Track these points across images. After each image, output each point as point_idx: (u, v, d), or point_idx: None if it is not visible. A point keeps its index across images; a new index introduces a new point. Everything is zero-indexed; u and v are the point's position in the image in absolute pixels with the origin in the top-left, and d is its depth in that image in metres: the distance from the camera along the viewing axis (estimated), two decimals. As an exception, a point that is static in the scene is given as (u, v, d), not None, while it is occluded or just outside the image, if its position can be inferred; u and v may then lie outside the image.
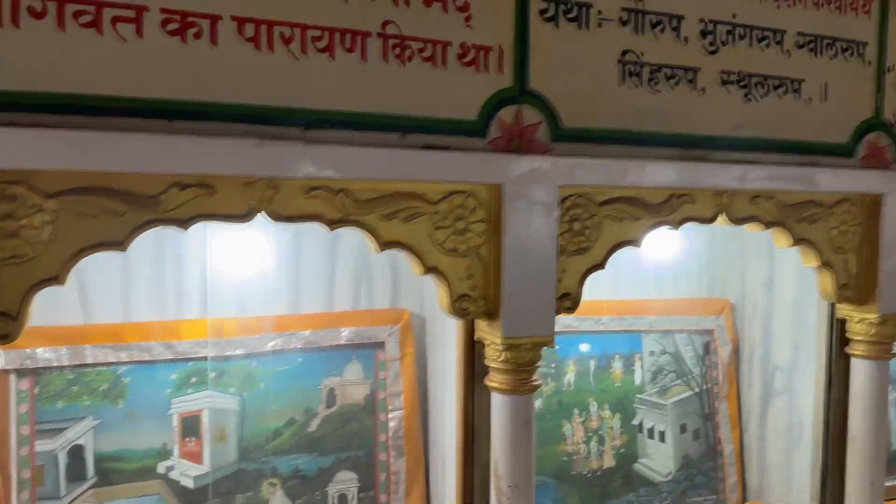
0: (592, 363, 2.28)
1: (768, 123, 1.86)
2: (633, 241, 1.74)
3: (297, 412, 1.98)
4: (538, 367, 1.64)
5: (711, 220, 1.81)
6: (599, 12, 1.66)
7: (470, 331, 1.71)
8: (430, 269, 1.55)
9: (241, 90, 1.36)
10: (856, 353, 2.04)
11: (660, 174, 1.72)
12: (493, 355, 1.61)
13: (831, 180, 1.91)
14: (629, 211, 1.72)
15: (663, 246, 2.37)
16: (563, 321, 2.24)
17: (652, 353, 2.36)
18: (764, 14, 1.83)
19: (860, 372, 2.04)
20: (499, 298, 1.57)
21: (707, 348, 2.41)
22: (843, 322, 2.07)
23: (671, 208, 1.76)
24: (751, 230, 1.90)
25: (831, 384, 2.11)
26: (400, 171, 1.49)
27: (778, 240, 1.93)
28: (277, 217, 1.41)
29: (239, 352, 1.91)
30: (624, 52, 1.70)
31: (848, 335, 2.05)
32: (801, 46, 1.89)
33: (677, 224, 1.78)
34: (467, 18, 1.54)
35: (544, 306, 1.62)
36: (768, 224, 1.87)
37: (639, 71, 1.71)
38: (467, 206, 1.56)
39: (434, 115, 1.53)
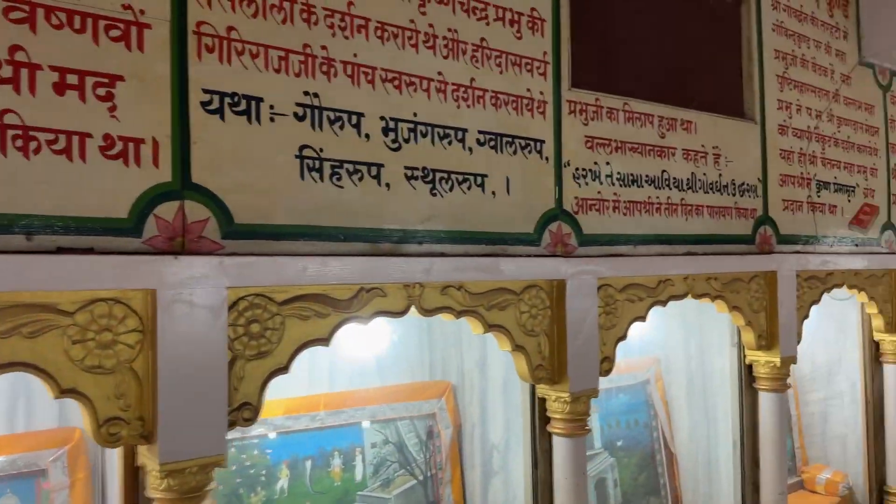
0: (309, 464, 2.15)
1: (456, 217, 1.93)
2: (322, 340, 1.67)
3: (-76, 571, 1.60)
4: (209, 490, 1.47)
5: (403, 312, 1.81)
6: (272, 107, 1.62)
7: (133, 455, 1.50)
8: (66, 392, 1.34)
9: None
10: (555, 430, 2.13)
11: (346, 269, 1.68)
12: (155, 483, 1.42)
13: (518, 268, 2.02)
14: (315, 308, 1.65)
15: (383, 331, 2.36)
16: (274, 422, 2.12)
17: (374, 445, 2.29)
18: (445, 113, 1.92)
19: (560, 449, 2.13)
20: (157, 418, 1.40)
21: (430, 433, 2.40)
22: (544, 401, 2.16)
23: (361, 303, 1.72)
24: (445, 319, 1.93)
25: (537, 463, 2.18)
26: (22, 280, 1.28)
27: (473, 327, 1.98)
28: None
29: None
30: (302, 148, 1.66)
31: (548, 414, 2.15)
32: (482, 144, 2.00)
33: (369, 319, 1.75)
34: (112, 109, 1.41)
35: (213, 422, 1.47)
36: (460, 313, 1.91)
37: (319, 166, 1.68)
38: (114, 315, 1.39)
39: (72, 214, 1.36)
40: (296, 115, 1.65)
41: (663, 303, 2.39)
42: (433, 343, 2.52)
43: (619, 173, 2.33)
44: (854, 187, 3.30)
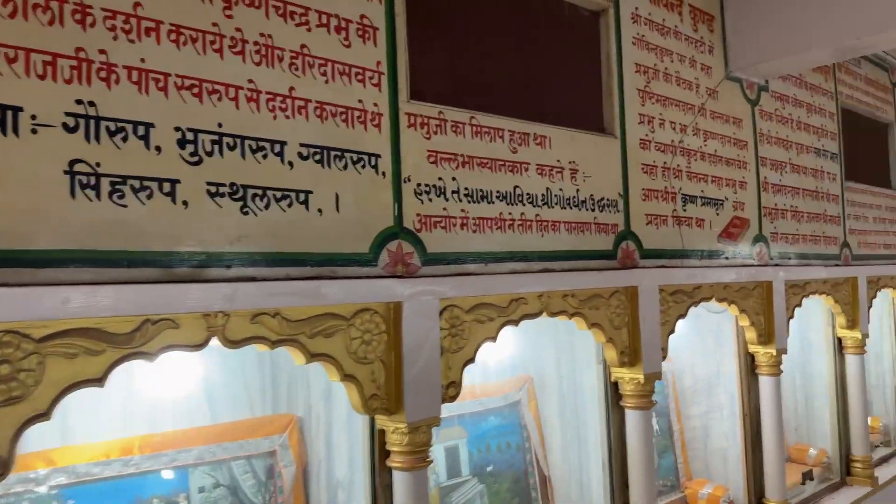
0: (121, 514, 1.93)
1: (275, 236, 1.77)
2: (95, 381, 1.47)
3: None
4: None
5: (202, 345, 1.63)
6: (34, 117, 1.43)
7: None
8: None
9: None
10: (395, 464, 1.99)
11: (122, 299, 1.49)
12: None
13: (345, 292, 1.87)
14: (84, 345, 1.45)
15: (217, 362, 2.16)
16: (76, 469, 1.90)
17: (202, 490, 2.09)
18: (258, 124, 1.76)
19: (400, 484, 1.99)
20: None
21: (270, 472, 2.21)
22: (384, 433, 2.02)
23: (145, 337, 1.53)
24: (259, 349, 1.77)
25: (377, 500, 2.03)
26: None
27: (295, 357, 1.82)
28: None
29: None
30: (73, 163, 1.47)
31: (388, 447, 2.00)
32: (305, 158, 1.85)
33: (156, 354, 1.56)
34: None
35: (-62, 483, 1.26)
36: (276, 343, 1.75)
37: (95, 183, 1.50)
38: None
39: None
40: (65, 125, 1.47)
41: (515, 322, 2.30)
42: (277, 373, 2.33)
43: (466, 189, 2.23)
44: (723, 200, 3.33)
